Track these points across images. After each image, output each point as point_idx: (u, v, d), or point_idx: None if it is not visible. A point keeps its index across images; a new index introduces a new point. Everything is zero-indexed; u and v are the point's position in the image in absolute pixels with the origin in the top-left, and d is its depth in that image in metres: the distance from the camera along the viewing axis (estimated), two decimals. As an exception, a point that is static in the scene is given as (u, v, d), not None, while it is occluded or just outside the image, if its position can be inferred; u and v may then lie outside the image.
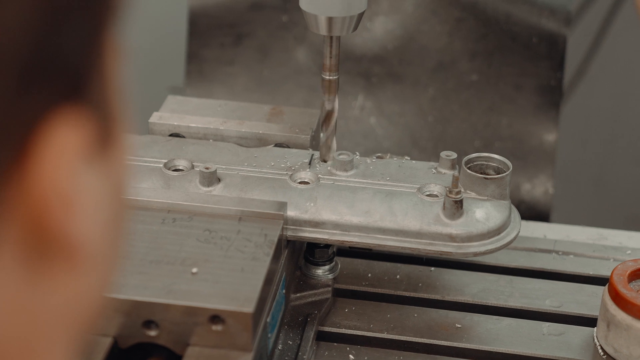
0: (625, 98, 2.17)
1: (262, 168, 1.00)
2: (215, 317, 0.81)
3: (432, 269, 1.06)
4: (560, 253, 1.11)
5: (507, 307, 1.01)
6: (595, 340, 0.96)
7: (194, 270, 0.84)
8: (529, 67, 1.42)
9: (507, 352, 0.95)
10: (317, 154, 1.02)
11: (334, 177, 0.99)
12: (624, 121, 2.19)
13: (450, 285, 1.04)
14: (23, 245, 0.38)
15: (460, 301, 1.02)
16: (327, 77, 0.98)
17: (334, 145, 1.01)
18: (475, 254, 0.95)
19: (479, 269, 1.07)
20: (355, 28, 0.95)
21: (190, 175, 0.98)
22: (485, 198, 0.96)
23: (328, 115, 1.00)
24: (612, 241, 1.16)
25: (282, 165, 1.00)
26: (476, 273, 1.06)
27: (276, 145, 1.05)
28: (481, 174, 0.98)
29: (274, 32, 1.46)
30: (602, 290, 0.97)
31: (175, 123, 1.07)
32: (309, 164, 1.01)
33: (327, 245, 1.01)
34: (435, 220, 0.95)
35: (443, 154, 1.01)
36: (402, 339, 0.96)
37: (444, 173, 1.00)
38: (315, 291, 1.01)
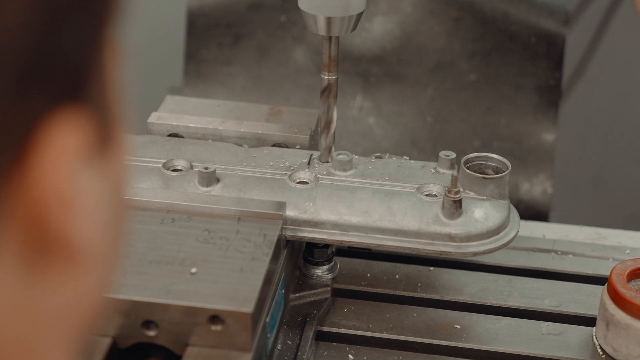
0: (624, 97, 2.17)
1: (261, 168, 1.00)
2: (215, 317, 0.81)
3: (431, 268, 1.06)
4: (559, 253, 1.11)
5: (506, 306, 1.01)
6: (594, 339, 0.96)
7: (193, 270, 0.84)
8: (528, 66, 1.42)
9: (506, 351, 0.95)
10: (316, 153, 1.02)
11: (333, 177, 0.99)
12: (622, 121, 2.20)
13: (450, 285, 1.04)
14: (23, 246, 0.38)
15: (459, 301, 1.02)
16: (327, 77, 0.98)
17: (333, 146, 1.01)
18: (475, 254, 0.95)
19: (478, 268, 1.07)
20: (354, 28, 0.95)
21: (189, 176, 0.98)
22: (484, 198, 0.96)
23: (327, 123, 1.00)
24: (611, 241, 1.16)
25: (281, 165, 1.00)
26: (475, 273, 1.06)
27: (275, 145, 1.05)
28: (480, 173, 0.98)
29: (272, 32, 1.46)
30: (601, 290, 0.97)
31: (174, 123, 1.07)
32: (308, 163, 1.01)
33: (326, 245, 1.01)
34: (434, 220, 0.95)
35: (442, 153, 1.01)
36: (401, 338, 0.96)
37: (443, 173, 1.00)
38: (315, 291, 1.01)
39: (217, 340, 0.81)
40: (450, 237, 0.94)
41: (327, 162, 1.01)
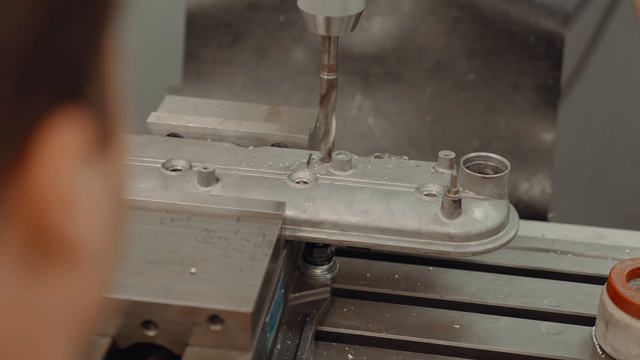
0: (623, 97, 2.17)
1: (261, 168, 1.00)
2: (214, 317, 0.81)
3: (431, 268, 1.06)
4: (558, 252, 1.11)
5: (505, 306, 1.01)
6: (594, 339, 0.96)
7: (193, 270, 0.84)
8: (527, 66, 1.42)
9: (505, 351, 0.95)
10: (315, 153, 1.02)
11: (333, 177, 0.99)
12: (621, 120, 2.20)
13: (449, 284, 1.04)
14: (23, 246, 0.38)
15: (458, 301, 1.02)
16: (326, 77, 0.98)
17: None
18: (474, 254, 0.95)
19: (477, 268, 1.07)
20: (353, 28, 0.95)
21: (189, 175, 0.98)
22: (484, 197, 0.96)
23: (326, 132, 1.00)
24: (610, 240, 1.16)
25: (281, 165, 1.00)
26: (475, 272, 1.06)
27: (274, 145, 1.05)
28: (479, 173, 0.98)
29: (271, 32, 1.46)
30: (600, 290, 0.97)
31: (173, 123, 1.07)
32: (307, 163, 1.01)
33: (326, 245, 1.01)
34: (434, 220, 0.95)
35: (441, 153, 1.01)
36: (400, 338, 0.96)
37: (442, 172, 1.00)
38: (314, 291, 1.01)
39: (216, 340, 0.81)
40: (450, 237, 0.94)
41: (327, 161, 1.01)
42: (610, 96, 2.16)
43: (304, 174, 0.99)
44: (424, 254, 0.99)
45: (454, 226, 0.94)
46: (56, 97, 0.38)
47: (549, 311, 1.01)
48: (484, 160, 1.00)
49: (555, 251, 1.11)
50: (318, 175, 0.99)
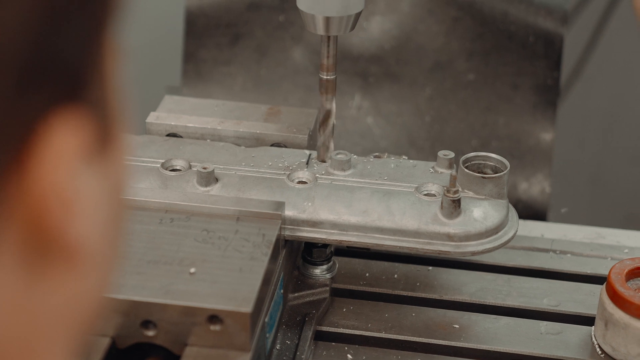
0: (622, 97, 2.17)
1: (260, 168, 1.00)
2: (214, 317, 0.81)
3: (430, 268, 1.06)
4: (557, 252, 1.11)
5: (504, 306, 1.01)
6: (593, 339, 0.96)
7: (192, 270, 0.84)
8: (526, 66, 1.42)
9: (505, 351, 0.95)
10: (314, 153, 1.02)
11: (332, 177, 0.99)
12: (621, 120, 2.20)
13: (448, 284, 1.04)
14: (22, 246, 0.38)
15: (458, 300, 1.02)
16: (325, 77, 0.98)
17: (332, 145, 1.01)
18: (473, 253, 0.95)
19: (476, 268, 1.07)
20: (353, 28, 0.95)
21: (188, 175, 0.98)
22: (483, 197, 0.96)
23: (326, 117, 1.00)
24: (609, 240, 1.16)
25: (280, 165, 1.00)
26: (474, 272, 1.06)
27: (273, 145, 1.05)
28: (479, 173, 0.98)
29: (271, 32, 1.46)
30: (599, 289, 0.97)
31: (173, 123, 1.07)
32: (307, 163, 1.01)
33: (325, 245, 1.01)
34: (433, 220, 0.95)
35: (440, 153, 1.01)
36: (400, 338, 0.97)
37: (442, 172, 1.00)
38: (313, 291, 1.01)
39: (216, 340, 0.81)
40: (449, 237, 0.94)
41: (325, 161, 1.01)
42: (610, 96, 2.16)
43: (303, 174, 0.99)
44: (423, 253, 0.99)
45: (453, 226, 0.94)
46: (56, 97, 0.38)
47: (549, 311, 1.01)
48: (483, 160, 1.00)
49: (554, 251, 1.11)
50: (317, 175, 0.99)
